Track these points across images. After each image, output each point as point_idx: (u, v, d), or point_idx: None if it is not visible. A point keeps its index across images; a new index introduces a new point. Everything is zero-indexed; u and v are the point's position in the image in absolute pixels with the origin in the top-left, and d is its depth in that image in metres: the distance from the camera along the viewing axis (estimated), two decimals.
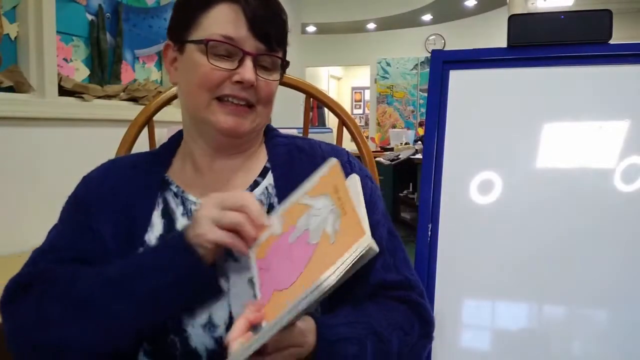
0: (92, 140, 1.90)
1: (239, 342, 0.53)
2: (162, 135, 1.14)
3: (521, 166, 1.05)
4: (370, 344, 0.66)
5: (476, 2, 6.85)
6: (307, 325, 0.61)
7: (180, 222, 0.74)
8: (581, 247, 0.98)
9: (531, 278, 0.99)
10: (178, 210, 0.75)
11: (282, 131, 0.87)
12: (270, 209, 0.74)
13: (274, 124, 0.88)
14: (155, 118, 1.15)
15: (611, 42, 1.05)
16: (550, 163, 1.04)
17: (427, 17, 7.53)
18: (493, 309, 1.01)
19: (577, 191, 1.01)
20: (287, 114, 3.56)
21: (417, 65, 8.06)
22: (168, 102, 1.16)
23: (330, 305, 0.69)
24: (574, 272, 0.98)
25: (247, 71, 0.69)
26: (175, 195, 0.76)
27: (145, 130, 1.14)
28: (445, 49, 7.06)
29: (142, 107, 1.16)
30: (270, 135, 0.84)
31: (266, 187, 0.76)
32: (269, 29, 0.71)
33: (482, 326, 1.01)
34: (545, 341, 0.97)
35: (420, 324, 0.74)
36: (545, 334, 0.97)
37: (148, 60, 2.44)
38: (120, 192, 0.76)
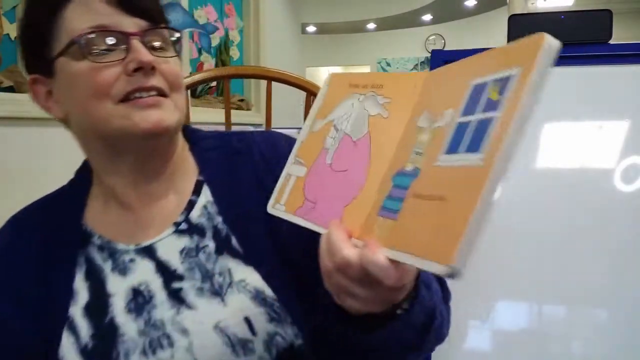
0: None
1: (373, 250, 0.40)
2: None
3: (521, 166, 1.05)
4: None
5: (476, 2, 6.85)
6: None
7: (112, 281, 0.60)
8: (581, 247, 0.98)
9: (531, 278, 0.99)
10: (106, 266, 0.61)
11: (282, 132, 0.75)
12: (216, 232, 0.62)
13: (274, 124, 0.87)
14: None
15: (611, 42, 1.05)
16: (550, 163, 1.04)
17: (427, 17, 7.53)
18: (493, 309, 1.01)
19: (577, 191, 1.01)
20: (287, 114, 3.56)
21: (417, 65, 8.06)
22: None
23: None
24: (574, 272, 0.98)
25: (141, 52, 0.55)
26: (101, 248, 0.62)
27: None
28: (445, 49, 7.07)
29: None
30: (195, 138, 0.68)
31: (204, 207, 0.63)
32: (144, 2, 0.59)
33: (482, 326, 1.01)
34: (545, 341, 0.97)
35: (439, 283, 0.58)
36: (545, 334, 0.98)
37: None
38: (27, 261, 0.62)
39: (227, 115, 1.15)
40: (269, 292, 0.58)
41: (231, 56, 3.29)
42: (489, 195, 0.34)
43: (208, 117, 2.44)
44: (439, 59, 1.13)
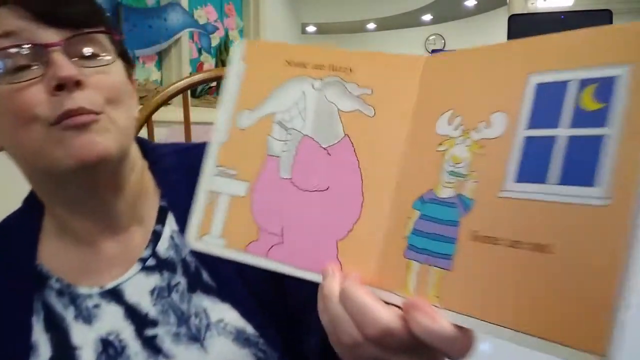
0: None
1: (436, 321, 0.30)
2: (162, 135, 1.14)
3: None
4: None
5: (476, 2, 6.86)
6: None
7: (77, 331, 0.52)
8: None
9: None
10: (68, 314, 0.52)
11: None
12: (185, 266, 0.54)
13: None
14: (154, 118, 1.15)
15: None
16: None
17: (427, 17, 7.54)
18: None
19: None
20: None
21: None
22: (167, 100, 1.16)
23: None
24: None
25: (60, 66, 0.46)
26: (60, 293, 0.53)
27: (144, 130, 1.14)
28: (445, 49, 7.08)
29: (142, 107, 1.16)
30: (153, 156, 0.58)
31: (171, 237, 0.55)
32: (64, 6, 0.49)
33: None
34: None
35: None
36: None
37: (148, 60, 2.44)
38: None
39: None
40: (250, 330, 0.52)
41: None
42: (634, 252, 0.24)
43: (208, 117, 2.44)
44: None
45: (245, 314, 0.52)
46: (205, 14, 2.92)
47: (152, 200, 0.56)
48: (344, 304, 0.33)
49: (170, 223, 0.55)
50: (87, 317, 0.52)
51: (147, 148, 0.59)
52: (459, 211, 0.31)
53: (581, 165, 0.27)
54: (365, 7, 7.21)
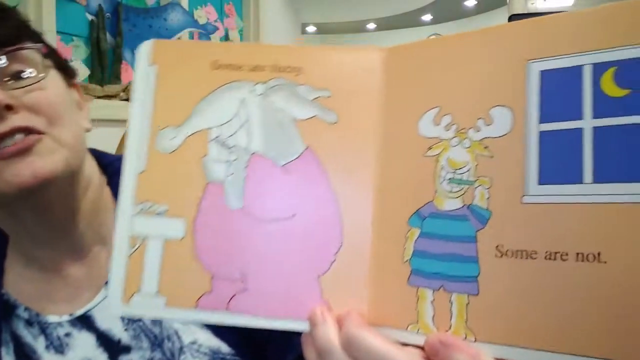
0: (92, 140, 1.89)
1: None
2: None
3: None
4: None
5: (476, 2, 6.86)
6: None
7: None
8: None
9: None
10: (39, 344, 0.50)
11: None
12: None
13: None
14: None
15: None
16: None
17: (427, 17, 7.53)
18: None
19: None
20: None
21: None
22: None
23: None
24: None
25: None
26: (29, 323, 0.50)
27: None
28: None
29: None
30: (112, 169, 0.55)
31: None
32: None
33: None
34: None
35: None
36: None
37: None
38: None
39: None
40: (225, 349, 0.49)
41: None
42: None
43: None
44: None
45: (218, 333, 0.50)
46: (205, 14, 2.92)
47: (113, 218, 0.52)
48: (352, 354, 0.27)
49: None
50: (58, 347, 0.50)
51: (104, 162, 0.55)
52: (473, 224, 0.27)
53: (622, 159, 0.24)
54: (365, 7, 7.21)
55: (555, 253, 0.24)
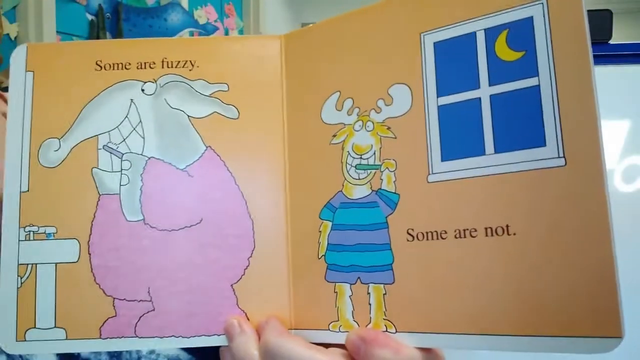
0: None
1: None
2: None
3: None
4: None
5: None
6: None
7: None
8: None
9: None
10: None
11: None
12: None
13: None
14: None
15: (611, 42, 1.05)
16: None
17: None
18: None
19: None
20: None
21: None
22: None
23: None
24: None
25: None
26: None
27: None
28: None
29: None
30: None
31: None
32: None
33: None
34: None
35: None
36: None
37: None
38: None
39: None
40: (184, 356, 0.52)
41: None
42: (608, 210, 0.21)
43: None
44: None
45: None
46: (205, 14, 2.92)
47: None
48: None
49: None
50: None
51: None
52: (382, 210, 0.25)
53: (521, 125, 0.22)
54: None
55: (464, 230, 0.23)
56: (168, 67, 0.29)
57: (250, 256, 0.27)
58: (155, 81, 0.29)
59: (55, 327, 0.27)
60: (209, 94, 0.29)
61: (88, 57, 0.29)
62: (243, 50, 0.29)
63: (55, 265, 0.27)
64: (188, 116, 0.29)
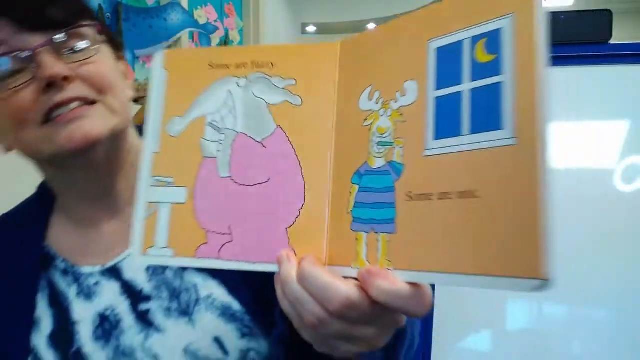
0: None
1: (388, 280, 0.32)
2: None
3: None
4: None
5: None
6: None
7: (77, 307, 0.56)
8: (581, 247, 0.98)
9: None
10: (71, 292, 0.56)
11: None
12: None
13: None
14: None
15: (611, 42, 1.05)
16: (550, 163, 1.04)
17: None
18: (493, 309, 1.01)
19: (576, 191, 1.01)
20: None
21: None
22: None
23: None
24: (574, 271, 0.98)
25: (47, 66, 0.49)
26: (65, 272, 0.57)
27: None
28: None
29: (141, 107, 1.16)
30: None
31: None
32: (44, 9, 0.52)
33: (482, 326, 1.01)
34: (545, 341, 0.97)
35: None
36: (546, 334, 0.98)
37: (148, 60, 2.44)
38: None
39: None
40: (237, 306, 0.54)
41: None
42: (545, 178, 0.26)
43: None
44: None
45: (233, 291, 0.54)
46: (205, 14, 2.92)
47: None
48: (303, 284, 0.34)
49: None
50: (87, 294, 0.56)
51: None
52: (392, 177, 0.33)
53: (487, 113, 0.29)
54: (365, 7, 7.20)
55: (444, 193, 0.30)
56: (256, 67, 0.39)
57: (301, 208, 0.36)
58: (246, 77, 0.39)
59: (167, 247, 0.38)
60: (282, 87, 0.38)
61: (204, 60, 0.40)
62: (309, 54, 0.39)
63: (171, 204, 0.39)
64: (266, 103, 0.38)
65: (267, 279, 0.45)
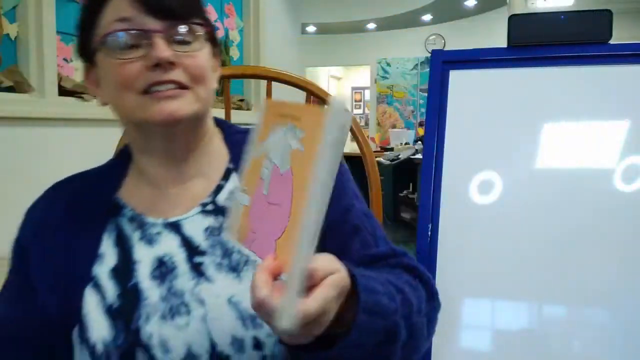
0: (92, 140, 1.90)
1: (275, 297, 0.43)
2: None
3: (521, 166, 1.05)
4: (393, 288, 0.57)
5: (476, 2, 6.85)
6: (328, 254, 0.50)
7: (139, 249, 0.66)
8: (581, 247, 0.98)
9: (531, 278, 0.99)
10: (135, 236, 0.67)
11: None
12: None
13: None
14: None
15: (611, 42, 1.05)
16: (550, 163, 1.04)
17: (427, 17, 7.52)
18: (493, 309, 1.01)
19: (577, 191, 1.01)
20: None
21: (417, 65, 8.05)
22: None
23: None
24: (574, 272, 0.98)
25: (159, 49, 0.60)
26: (131, 219, 0.68)
27: None
28: (445, 49, 7.07)
29: None
30: (229, 131, 0.76)
31: (231, 191, 0.68)
32: (169, 2, 0.62)
33: (482, 326, 1.01)
34: (545, 341, 0.97)
35: (421, 283, 0.65)
36: (545, 334, 0.97)
37: None
38: (63, 227, 0.68)
39: (227, 115, 1.15)
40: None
41: (231, 56, 3.28)
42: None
43: None
44: (439, 59, 1.13)
45: None
46: None
47: (220, 162, 0.72)
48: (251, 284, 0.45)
49: (234, 180, 0.70)
50: (149, 240, 0.67)
51: (224, 124, 0.77)
52: None
53: None
54: (365, 7, 7.19)
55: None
56: (293, 119, 0.50)
57: (286, 226, 0.47)
58: (286, 126, 0.50)
59: (236, 233, 0.56)
60: (299, 137, 0.49)
61: (281, 109, 0.52)
62: (316, 112, 0.48)
63: (243, 206, 0.54)
64: (290, 147, 0.49)
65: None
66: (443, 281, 1.00)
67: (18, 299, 0.67)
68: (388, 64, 8.21)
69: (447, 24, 7.75)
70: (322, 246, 0.59)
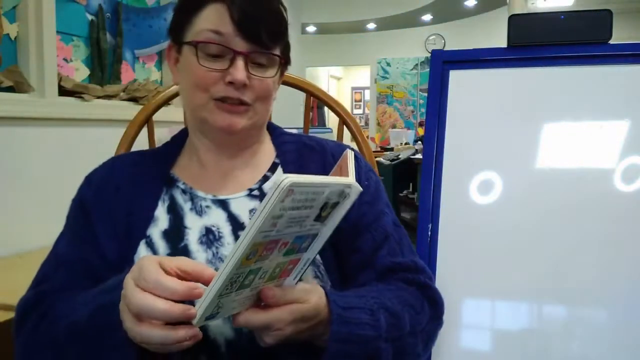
0: (91, 140, 1.90)
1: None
2: (162, 134, 1.14)
3: (521, 166, 1.05)
4: (382, 315, 0.64)
5: (476, 2, 6.85)
6: (313, 287, 0.60)
7: (189, 218, 0.74)
8: (581, 247, 0.98)
9: (531, 278, 0.99)
10: (186, 206, 0.75)
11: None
12: None
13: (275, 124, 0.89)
14: (155, 118, 1.15)
15: (611, 42, 1.05)
16: (550, 163, 1.04)
17: (427, 17, 7.53)
18: (493, 309, 1.01)
19: (577, 191, 1.01)
20: (287, 114, 3.55)
21: (417, 65, 8.06)
22: (168, 101, 1.16)
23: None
24: (574, 272, 0.98)
25: (238, 71, 0.69)
26: (184, 192, 0.77)
27: (144, 130, 1.14)
28: (445, 49, 7.07)
29: (142, 107, 1.16)
30: (277, 133, 0.86)
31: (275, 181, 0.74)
32: (259, 27, 0.70)
33: (482, 326, 1.01)
34: (545, 341, 0.97)
35: (429, 304, 0.73)
36: (545, 334, 0.97)
37: (148, 60, 2.44)
38: (122, 190, 0.76)
39: None
40: (317, 257, 0.66)
41: None
42: None
43: None
44: (439, 58, 1.13)
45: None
46: None
47: (268, 157, 0.82)
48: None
49: (279, 172, 0.79)
50: (199, 211, 0.75)
51: (272, 127, 0.87)
52: None
53: None
54: (365, 7, 7.20)
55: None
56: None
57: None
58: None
59: None
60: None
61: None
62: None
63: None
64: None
65: (340, 250, 0.74)
66: (443, 281, 1.00)
67: (82, 242, 0.73)
68: (388, 64, 8.21)
69: (447, 24, 7.75)
70: (356, 244, 0.76)
